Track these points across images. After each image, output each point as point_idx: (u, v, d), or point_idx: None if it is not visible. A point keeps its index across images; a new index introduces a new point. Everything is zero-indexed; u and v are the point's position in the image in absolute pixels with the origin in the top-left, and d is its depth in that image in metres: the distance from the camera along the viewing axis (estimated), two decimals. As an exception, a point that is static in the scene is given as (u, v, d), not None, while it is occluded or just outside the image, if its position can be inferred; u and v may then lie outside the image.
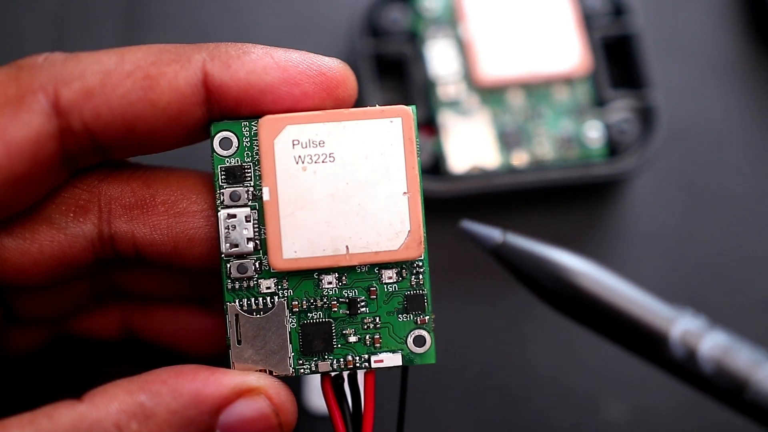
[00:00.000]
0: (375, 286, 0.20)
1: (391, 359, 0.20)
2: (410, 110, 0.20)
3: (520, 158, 0.30)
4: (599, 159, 0.30)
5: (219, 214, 0.19)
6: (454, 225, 0.31)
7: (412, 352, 0.20)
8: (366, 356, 0.20)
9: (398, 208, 0.20)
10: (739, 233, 0.32)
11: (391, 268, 0.20)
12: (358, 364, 0.20)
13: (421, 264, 0.20)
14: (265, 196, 0.19)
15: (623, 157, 0.30)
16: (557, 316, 0.30)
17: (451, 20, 0.31)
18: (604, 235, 0.31)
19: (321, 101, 0.20)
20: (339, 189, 0.19)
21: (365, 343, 0.20)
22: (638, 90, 0.31)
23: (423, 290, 0.20)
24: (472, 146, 0.30)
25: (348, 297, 0.20)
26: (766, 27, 0.34)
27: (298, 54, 0.20)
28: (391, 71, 0.31)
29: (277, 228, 0.19)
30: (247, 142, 0.20)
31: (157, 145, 0.20)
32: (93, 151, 0.19)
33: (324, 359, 0.20)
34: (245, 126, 0.20)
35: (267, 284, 0.19)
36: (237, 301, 0.19)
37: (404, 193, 0.20)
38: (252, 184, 0.20)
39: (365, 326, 0.20)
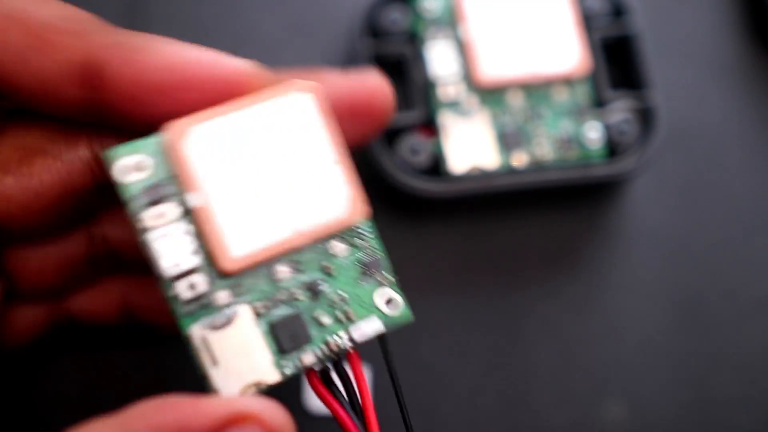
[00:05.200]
0: (329, 262, 0.19)
1: (371, 326, 0.19)
2: (314, 83, 0.19)
3: (519, 159, 0.30)
4: (599, 160, 0.30)
5: (148, 238, 0.18)
6: (454, 226, 0.31)
7: (386, 315, 0.20)
8: (345, 333, 0.19)
9: (333, 176, 0.19)
10: (739, 233, 0.32)
11: (339, 239, 0.19)
12: (340, 345, 0.19)
13: (366, 228, 0.20)
14: (194, 203, 0.18)
15: (623, 158, 0.30)
16: (557, 316, 0.30)
17: (450, 21, 0.31)
18: (604, 236, 0.31)
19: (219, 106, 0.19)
20: (269, 174, 0.19)
21: (339, 321, 0.19)
22: (638, 91, 0.31)
23: (378, 254, 0.20)
24: (471, 147, 0.30)
25: (307, 281, 0.19)
26: (766, 28, 0.34)
27: (205, 56, 0.19)
28: (391, 72, 0.30)
29: (218, 231, 0.18)
30: (154, 159, 0.18)
31: (35, 107, 0.19)
32: None
33: (305, 351, 0.19)
34: (145, 143, 0.18)
35: (222, 296, 0.18)
36: (197, 323, 0.18)
37: (335, 161, 0.19)
38: (174, 198, 0.18)
39: (333, 304, 0.19)
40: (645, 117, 0.30)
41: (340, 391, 0.19)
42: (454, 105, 0.30)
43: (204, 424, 0.16)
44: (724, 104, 0.33)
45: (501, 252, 0.31)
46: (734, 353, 0.30)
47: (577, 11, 0.31)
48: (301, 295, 0.19)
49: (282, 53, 0.32)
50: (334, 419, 0.19)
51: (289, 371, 0.19)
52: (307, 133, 0.19)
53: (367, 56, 0.30)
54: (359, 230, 0.20)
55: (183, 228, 0.18)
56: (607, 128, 0.30)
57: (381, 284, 0.20)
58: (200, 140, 0.18)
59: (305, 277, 0.19)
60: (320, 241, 0.19)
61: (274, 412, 0.17)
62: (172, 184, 0.18)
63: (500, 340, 0.30)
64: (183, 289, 0.18)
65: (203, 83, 0.19)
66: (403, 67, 0.30)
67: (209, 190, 0.18)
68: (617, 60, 0.31)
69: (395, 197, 0.30)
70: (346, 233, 0.20)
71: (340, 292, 0.19)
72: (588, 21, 0.31)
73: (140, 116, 0.19)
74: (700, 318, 0.31)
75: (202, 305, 0.18)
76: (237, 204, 0.18)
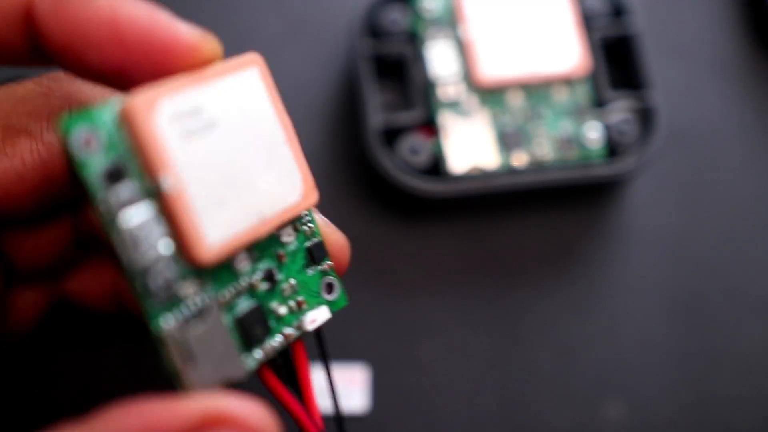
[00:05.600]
0: (281, 250, 0.19)
1: (321, 315, 0.19)
2: (258, 56, 0.18)
3: (519, 159, 0.30)
4: (599, 160, 0.30)
5: (116, 224, 0.16)
6: (454, 226, 0.31)
7: (327, 301, 0.19)
8: (297, 324, 0.19)
9: (285, 158, 0.19)
10: (739, 233, 0.32)
11: (287, 226, 0.19)
12: (296, 335, 0.19)
13: (307, 213, 0.19)
14: (167, 186, 0.16)
15: (623, 158, 0.30)
16: (557, 316, 0.30)
17: (450, 21, 0.31)
18: (604, 236, 0.31)
19: (154, 71, 0.18)
20: (232, 157, 0.17)
21: (293, 311, 0.19)
22: (638, 91, 0.31)
23: (318, 237, 0.20)
24: (471, 147, 0.30)
25: (263, 270, 0.18)
26: (766, 28, 0.34)
27: (142, 14, 0.17)
28: (391, 72, 0.31)
29: (193, 218, 0.16)
30: (111, 133, 0.16)
31: None
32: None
33: (265, 344, 0.18)
34: (103, 112, 0.16)
35: (190, 288, 0.17)
36: (166, 318, 0.16)
37: (284, 142, 0.19)
38: (138, 179, 0.16)
39: (285, 293, 0.19)
40: (645, 117, 0.30)
41: (290, 385, 0.19)
42: (454, 105, 0.30)
43: (175, 428, 0.15)
44: (723, 104, 0.33)
45: (501, 252, 0.31)
46: (734, 353, 0.30)
47: (577, 11, 0.31)
48: (260, 285, 0.18)
49: (282, 53, 0.32)
50: (286, 410, 0.19)
51: (254, 365, 0.18)
52: (259, 112, 0.18)
53: (366, 56, 0.30)
54: (302, 216, 0.19)
55: (148, 213, 0.16)
56: (607, 128, 0.30)
57: (323, 270, 0.20)
58: (164, 116, 0.16)
59: (262, 266, 0.18)
60: (277, 229, 0.19)
61: (252, 410, 0.16)
62: (134, 162, 0.16)
63: (500, 340, 0.30)
64: (152, 281, 0.16)
65: (138, 42, 0.17)
66: (403, 67, 0.30)
67: (179, 172, 0.16)
68: (617, 60, 0.31)
69: (395, 197, 0.30)
70: (295, 219, 0.19)
71: (291, 280, 0.19)
72: (588, 21, 0.31)
73: (79, 68, 0.18)
74: (700, 318, 0.31)
75: (170, 298, 0.16)
76: (206, 189, 0.17)
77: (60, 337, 0.28)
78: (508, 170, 0.30)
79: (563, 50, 0.30)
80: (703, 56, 0.34)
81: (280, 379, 0.19)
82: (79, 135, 0.16)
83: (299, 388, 0.19)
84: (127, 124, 0.16)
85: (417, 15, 0.31)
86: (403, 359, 0.29)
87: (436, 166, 0.30)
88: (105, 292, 0.25)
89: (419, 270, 0.30)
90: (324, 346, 0.20)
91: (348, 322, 0.29)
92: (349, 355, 0.29)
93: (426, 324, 0.29)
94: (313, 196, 0.19)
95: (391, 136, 0.30)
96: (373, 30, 0.30)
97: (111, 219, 0.16)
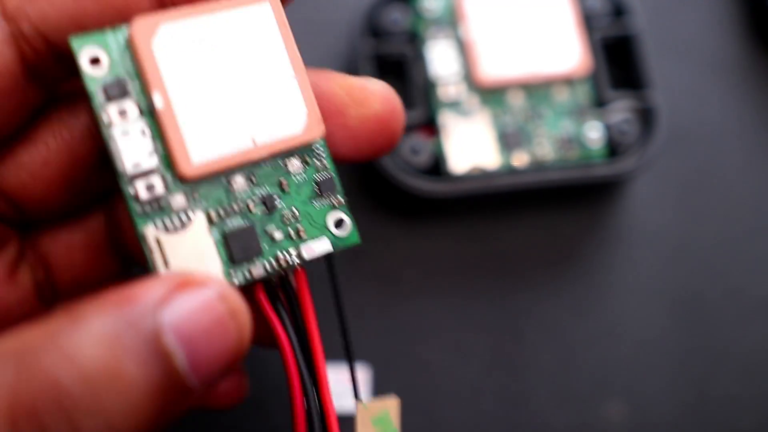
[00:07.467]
0: (285, 179, 0.19)
1: (321, 246, 0.20)
2: None
3: (520, 159, 0.30)
4: (599, 160, 0.30)
5: (111, 134, 0.18)
6: (454, 226, 0.31)
7: (335, 236, 0.20)
8: (294, 251, 0.19)
9: (290, 91, 0.19)
10: (739, 233, 0.32)
11: (295, 156, 0.20)
12: (289, 261, 0.19)
13: (320, 147, 0.20)
14: (158, 104, 0.18)
15: (623, 158, 0.30)
16: (558, 315, 0.30)
17: (451, 21, 0.31)
18: (605, 236, 0.31)
19: None
20: (231, 83, 0.19)
21: (290, 237, 0.19)
22: (638, 91, 0.31)
23: (330, 173, 0.20)
24: (472, 147, 0.30)
25: (262, 195, 0.19)
26: (766, 28, 0.34)
27: None
28: (392, 72, 0.31)
29: (178, 134, 0.18)
30: (117, 53, 0.18)
31: None
32: (54, 59, 0.19)
33: (255, 264, 0.19)
34: (112, 36, 0.18)
35: (178, 200, 0.18)
36: (152, 224, 0.18)
37: (293, 76, 0.19)
38: (136, 97, 0.18)
39: (285, 220, 0.19)
40: (645, 117, 0.30)
41: (284, 310, 0.20)
42: (454, 105, 0.30)
43: (152, 290, 0.16)
44: (724, 104, 0.33)
45: (501, 252, 0.31)
46: (734, 353, 0.30)
47: (577, 11, 0.31)
48: (255, 208, 0.19)
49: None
50: (275, 335, 0.19)
51: (237, 281, 0.19)
52: (267, 45, 0.19)
53: (367, 56, 0.30)
54: (314, 149, 0.20)
55: (143, 127, 0.18)
56: (608, 128, 0.30)
57: (332, 205, 0.20)
58: (167, 39, 0.18)
59: (260, 191, 0.19)
60: (277, 157, 0.19)
61: (221, 280, 0.16)
62: (135, 80, 0.18)
63: (500, 340, 0.30)
64: (141, 189, 0.18)
65: None
66: (403, 67, 0.31)
67: (173, 92, 0.18)
68: (618, 60, 0.31)
69: (395, 197, 0.30)
70: (301, 151, 0.20)
71: (293, 209, 0.19)
72: (588, 21, 0.31)
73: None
74: (701, 318, 0.31)
75: (159, 207, 0.18)
76: (199, 110, 0.18)
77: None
78: (508, 170, 0.30)
79: (564, 50, 0.30)
80: (703, 56, 0.34)
81: (273, 304, 0.19)
82: (88, 52, 0.18)
83: (302, 318, 0.20)
84: (130, 45, 0.18)
85: (418, 15, 0.31)
86: (403, 359, 0.29)
87: (437, 166, 0.30)
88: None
89: (420, 270, 0.30)
90: (334, 277, 0.20)
91: (348, 322, 0.29)
92: (349, 354, 0.29)
93: (426, 323, 0.30)
94: (318, 130, 0.19)
95: (392, 135, 0.29)
96: (374, 30, 0.30)
97: (108, 130, 0.18)
